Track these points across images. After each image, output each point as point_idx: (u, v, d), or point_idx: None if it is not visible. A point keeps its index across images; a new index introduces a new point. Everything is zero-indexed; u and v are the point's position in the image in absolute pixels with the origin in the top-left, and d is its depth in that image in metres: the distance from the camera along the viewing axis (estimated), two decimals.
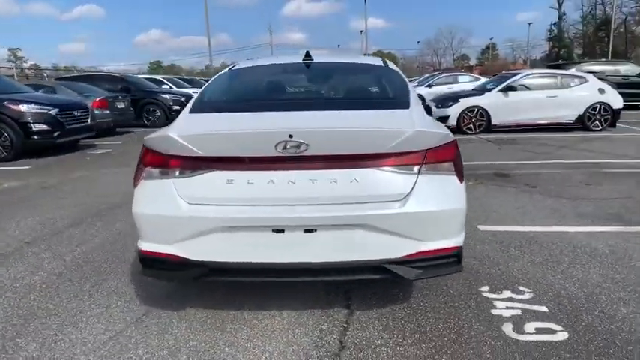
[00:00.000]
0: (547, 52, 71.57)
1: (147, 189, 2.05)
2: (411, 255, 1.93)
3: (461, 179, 2.02)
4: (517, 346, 2.02)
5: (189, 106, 2.42)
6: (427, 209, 1.90)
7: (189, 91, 15.26)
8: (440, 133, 1.98)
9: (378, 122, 2.05)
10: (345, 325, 2.23)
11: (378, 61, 3.05)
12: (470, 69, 64.12)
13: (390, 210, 1.88)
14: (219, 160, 1.95)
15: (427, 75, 21.02)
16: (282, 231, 1.90)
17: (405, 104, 2.25)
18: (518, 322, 2.21)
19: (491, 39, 78.08)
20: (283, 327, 2.23)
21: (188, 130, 2.01)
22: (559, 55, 65.62)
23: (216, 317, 2.33)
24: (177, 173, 2.00)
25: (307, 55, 2.89)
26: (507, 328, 2.17)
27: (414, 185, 1.91)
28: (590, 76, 9.53)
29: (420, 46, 77.08)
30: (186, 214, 1.94)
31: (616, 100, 9.27)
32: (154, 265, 2.11)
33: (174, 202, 1.96)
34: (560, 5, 64.95)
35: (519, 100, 9.36)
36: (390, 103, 2.38)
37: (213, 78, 2.96)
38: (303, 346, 2.06)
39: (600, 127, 9.29)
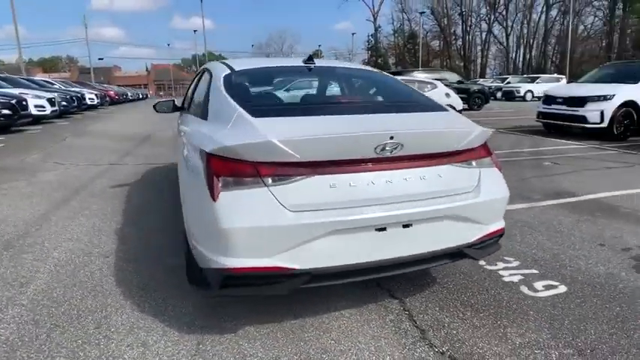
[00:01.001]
0: (367, 61, 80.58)
1: (236, 201, 1.88)
2: (479, 238, 2.23)
3: (500, 169, 2.40)
4: (541, 301, 2.51)
5: (238, 111, 2.21)
6: (491, 197, 2.23)
7: (15, 91, 12.72)
8: (486, 131, 2.32)
9: (449, 123, 2.29)
10: (408, 313, 2.41)
11: (369, 68, 3.27)
12: None
13: (468, 200, 2.14)
14: (319, 165, 1.92)
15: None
16: (385, 229, 1.99)
17: (442, 107, 2.54)
18: (528, 284, 2.72)
19: (319, 46, 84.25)
20: (357, 324, 2.30)
21: (285, 135, 1.90)
22: (377, 63, 75.04)
23: (284, 330, 2.26)
24: (270, 181, 1.90)
25: (310, 58, 2.93)
26: (525, 290, 2.65)
27: (479, 177, 2.22)
28: (438, 83, 11.36)
29: (254, 50, 79.21)
30: (292, 222, 1.86)
31: (458, 103, 11.27)
32: (241, 282, 1.95)
33: (277, 211, 1.86)
34: (375, 19, 73.57)
35: None
36: (430, 106, 2.62)
37: (214, 83, 2.71)
38: (390, 337, 2.18)
39: None
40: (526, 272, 2.89)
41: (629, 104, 8.84)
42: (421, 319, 2.35)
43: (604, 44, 47.14)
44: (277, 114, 2.25)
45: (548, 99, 10.02)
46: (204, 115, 2.60)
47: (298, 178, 1.91)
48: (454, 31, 64.57)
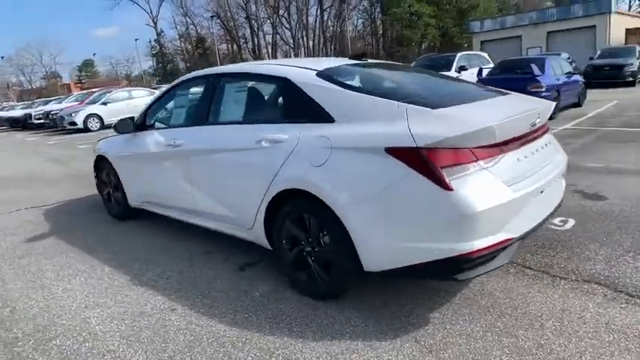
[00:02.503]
0: (154, 67, 76.21)
1: (468, 186, 2.04)
2: (563, 193, 2.88)
3: None
4: (570, 232, 3.38)
5: (403, 106, 2.27)
6: (565, 155, 2.90)
7: None
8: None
9: (539, 100, 2.83)
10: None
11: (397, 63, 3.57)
12: (68, 87, 61.07)
13: (561, 158, 2.76)
14: (507, 143, 2.22)
15: (98, 93, 19.05)
16: (543, 192, 2.43)
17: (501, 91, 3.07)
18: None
19: (94, 55, 75.67)
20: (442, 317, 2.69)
21: (493, 120, 2.13)
22: (165, 69, 71.89)
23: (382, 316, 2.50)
24: (483, 163, 2.12)
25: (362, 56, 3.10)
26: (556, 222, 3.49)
27: (556, 144, 2.87)
28: None
29: (3, 62, 66.32)
30: (513, 197, 2.14)
31: None
32: (475, 264, 2.11)
33: (501, 189, 2.12)
34: (155, 23, 69.90)
35: None
36: (496, 90, 3.08)
37: (314, 85, 2.61)
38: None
39: None
40: None
41: None
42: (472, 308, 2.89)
43: (373, 42, 56.41)
44: (439, 104, 2.36)
45: None
46: (315, 118, 2.51)
47: (501, 156, 2.19)
48: (244, 34, 66.75)
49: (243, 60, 68.90)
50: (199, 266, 3.28)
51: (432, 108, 2.25)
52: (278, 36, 63.91)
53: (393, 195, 2.16)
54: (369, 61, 3.17)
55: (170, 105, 3.84)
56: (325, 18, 61.16)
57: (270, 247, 2.91)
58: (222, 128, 3.12)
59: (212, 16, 53.42)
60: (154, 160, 3.68)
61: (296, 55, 63.80)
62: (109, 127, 17.07)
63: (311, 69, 2.77)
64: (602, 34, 26.38)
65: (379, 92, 2.52)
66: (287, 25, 62.05)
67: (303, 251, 2.65)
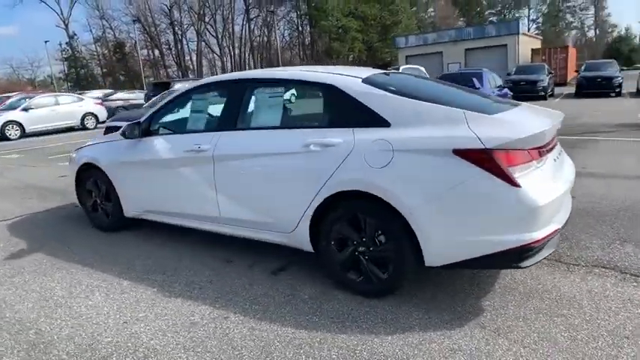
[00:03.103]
0: (65, 72, 70.48)
1: (532, 183, 2.29)
2: None
3: None
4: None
5: (460, 111, 2.47)
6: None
7: None
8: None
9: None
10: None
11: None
12: None
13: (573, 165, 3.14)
14: (544, 147, 2.50)
15: (16, 98, 17.27)
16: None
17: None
18: None
19: None
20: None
21: (543, 126, 2.40)
22: (78, 74, 66.91)
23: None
24: (536, 163, 2.39)
25: (386, 67, 3.27)
26: None
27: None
28: None
29: None
30: (562, 191, 2.42)
31: None
32: (534, 252, 2.35)
33: (554, 184, 2.40)
34: (67, 25, 64.91)
35: None
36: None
37: (369, 91, 2.73)
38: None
39: None
40: None
41: None
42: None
43: (302, 53, 57.27)
44: (492, 111, 2.59)
45: None
46: (368, 123, 2.63)
47: (546, 157, 2.47)
48: (167, 40, 64.23)
49: (166, 67, 66.34)
50: (227, 274, 3.21)
51: (489, 114, 2.49)
52: (204, 43, 62.46)
53: (461, 193, 2.34)
54: (392, 71, 3.35)
55: (185, 109, 3.70)
56: (252, 27, 61.09)
57: (311, 250, 2.95)
58: (259, 133, 3.10)
59: (134, 21, 50.71)
60: (167, 167, 3.53)
61: (222, 64, 62.81)
62: (32, 135, 15.54)
63: (354, 76, 2.89)
64: (513, 53, 29.39)
65: (428, 99, 2.69)
66: (213, 33, 60.88)
67: (355, 251, 2.73)
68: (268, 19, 51.80)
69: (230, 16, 59.78)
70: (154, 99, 11.58)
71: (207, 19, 60.14)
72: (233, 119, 3.24)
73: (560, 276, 2.90)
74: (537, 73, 18.51)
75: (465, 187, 2.33)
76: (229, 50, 63.15)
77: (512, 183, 2.25)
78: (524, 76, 18.45)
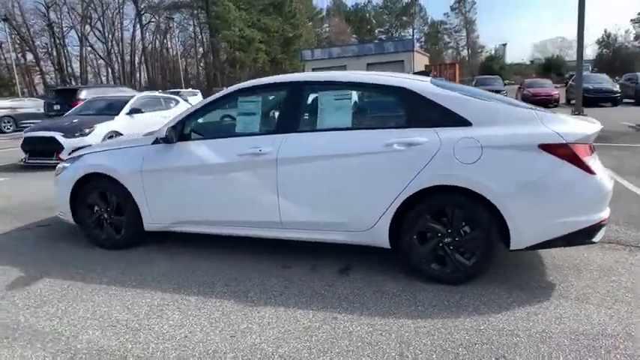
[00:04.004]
0: None
1: (599, 171, 2.72)
2: None
3: None
4: None
5: (532, 111, 2.81)
6: None
7: None
8: None
9: None
10: None
11: None
12: None
13: None
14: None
15: None
16: None
17: None
18: None
19: None
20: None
21: (592, 126, 2.83)
22: None
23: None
24: (594, 155, 2.83)
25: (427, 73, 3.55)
26: None
27: None
28: (178, 97, 11.28)
29: None
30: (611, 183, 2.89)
31: None
32: (600, 228, 2.77)
33: (607, 175, 2.84)
34: None
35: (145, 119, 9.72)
36: None
37: (444, 94, 2.96)
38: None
39: None
40: None
41: None
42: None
43: (203, 61, 55.46)
44: (549, 112, 2.99)
45: None
46: (450, 123, 2.87)
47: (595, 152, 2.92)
48: (46, 43, 57.32)
49: (43, 73, 59.07)
50: (297, 279, 3.16)
51: (554, 114, 2.89)
52: (89, 48, 57.09)
53: (547, 181, 2.69)
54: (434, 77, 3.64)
55: (227, 112, 3.53)
56: (145, 33, 57.66)
57: (387, 246, 3.07)
58: (331, 134, 3.11)
59: (4, 19, 44.32)
60: (214, 172, 3.33)
61: (112, 70, 58.06)
62: None
63: (421, 80, 3.10)
64: (409, 67, 32.15)
65: (490, 99, 3.03)
66: (102, 38, 56.00)
67: (440, 243, 2.92)
68: (162, 25, 49.35)
69: (119, 21, 55.67)
70: (70, 111, 10.42)
71: (92, 23, 55.16)
72: (296, 121, 3.22)
73: (595, 254, 3.39)
74: (495, 85, 20.99)
75: (551, 176, 2.68)
76: (117, 57, 58.66)
77: (590, 171, 2.66)
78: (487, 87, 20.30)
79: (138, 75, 60.55)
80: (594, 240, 2.79)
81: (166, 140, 3.42)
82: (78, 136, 8.45)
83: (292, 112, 3.25)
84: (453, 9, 69.77)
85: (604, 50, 50.18)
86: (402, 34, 71.41)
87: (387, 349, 2.30)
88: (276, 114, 3.37)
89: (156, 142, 3.55)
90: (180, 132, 3.47)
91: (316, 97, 3.28)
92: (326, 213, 3.15)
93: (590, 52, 55.78)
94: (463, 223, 2.87)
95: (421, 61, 34.46)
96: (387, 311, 2.67)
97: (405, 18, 71.87)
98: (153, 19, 55.07)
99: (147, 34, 58.21)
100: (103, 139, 8.58)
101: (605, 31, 54.32)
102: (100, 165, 3.73)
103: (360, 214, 3.06)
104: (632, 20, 57.97)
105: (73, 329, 2.60)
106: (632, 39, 54.77)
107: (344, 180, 3.05)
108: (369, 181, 2.99)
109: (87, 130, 8.56)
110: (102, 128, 8.75)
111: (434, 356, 2.23)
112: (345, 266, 3.32)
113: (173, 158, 3.46)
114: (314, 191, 3.14)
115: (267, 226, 3.33)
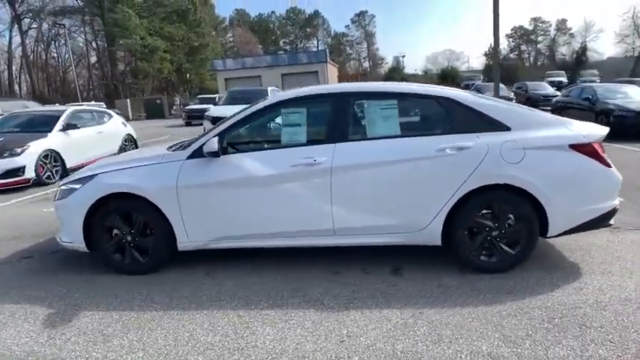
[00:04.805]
0: None
1: (613, 166, 3.28)
2: None
3: None
4: None
5: (553, 116, 3.29)
6: None
7: None
8: None
9: None
10: None
11: None
12: None
13: None
14: None
15: None
16: None
17: None
18: None
19: None
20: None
21: (603, 128, 3.39)
22: None
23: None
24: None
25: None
26: None
27: None
28: (112, 111, 10.44)
29: None
30: None
31: (132, 130, 10.91)
32: (610, 218, 3.33)
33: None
34: None
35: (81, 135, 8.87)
36: None
37: (476, 102, 3.32)
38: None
39: None
40: None
41: None
42: None
43: (99, 71, 51.04)
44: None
45: (217, 119, 11.88)
46: (491, 128, 3.24)
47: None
48: None
49: None
50: (353, 283, 3.26)
51: (569, 119, 3.42)
52: None
53: (577, 176, 3.18)
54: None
55: (272, 124, 3.49)
56: (27, 40, 51.61)
57: (439, 244, 3.33)
58: (383, 142, 3.28)
59: None
60: (263, 185, 3.30)
61: None
62: None
63: (454, 90, 3.46)
64: (323, 78, 33.21)
65: (520, 107, 3.48)
66: None
67: (488, 236, 3.26)
68: (48, 32, 44.63)
69: None
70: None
71: None
72: (345, 131, 3.35)
73: (578, 237, 3.98)
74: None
75: (580, 171, 3.18)
76: None
77: (607, 165, 3.21)
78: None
79: (17, 86, 53.98)
80: (610, 223, 3.36)
81: (215, 154, 3.29)
82: (7, 157, 7.44)
83: (341, 121, 3.38)
84: (353, 22, 73.62)
85: (491, 62, 57.43)
86: (307, 45, 73.41)
87: (487, 332, 2.55)
88: (323, 124, 3.46)
89: (193, 155, 3.41)
90: (221, 145, 3.38)
91: (363, 106, 3.45)
92: (379, 217, 3.31)
93: (478, 64, 63.38)
94: (509, 217, 3.25)
95: (332, 72, 35.84)
96: (462, 301, 2.92)
97: (308, 29, 73.98)
98: (34, 24, 49.55)
99: (28, 40, 52.22)
100: (38, 159, 7.71)
101: (491, 45, 62.63)
102: (124, 184, 3.45)
103: (414, 216, 3.28)
104: (506, 35, 66.76)
105: (173, 357, 2.43)
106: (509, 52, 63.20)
107: (398, 184, 3.25)
108: (422, 184, 3.23)
109: (19, 150, 7.57)
110: (36, 147, 7.81)
111: (530, 333, 2.53)
112: (394, 267, 3.50)
113: (218, 172, 3.35)
114: (368, 197, 3.30)
115: (320, 234, 3.39)
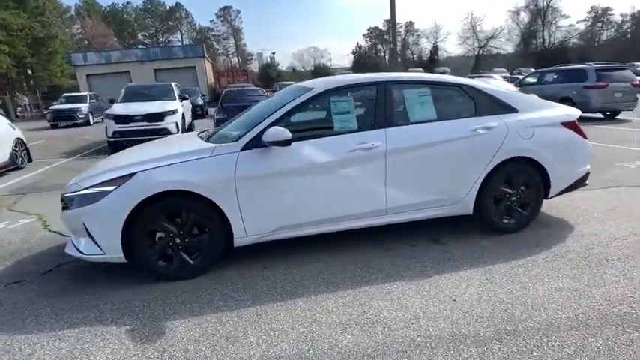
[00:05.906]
0: None
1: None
2: None
3: None
4: None
5: (544, 101, 4.03)
6: None
7: None
8: None
9: None
10: None
11: None
12: None
13: None
14: None
15: None
16: None
17: None
18: None
19: None
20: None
21: (576, 110, 4.28)
22: None
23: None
24: None
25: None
26: None
27: None
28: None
29: None
30: None
31: (22, 134, 9.30)
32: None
33: None
34: None
35: None
36: None
37: (491, 91, 3.86)
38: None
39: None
40: None
41: None
42: None
43: None
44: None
45: (122, 118, 10.83)
46: (505, 110, 3.86)
47: None
48: None
49: None
50: (409, 255, 3.58)
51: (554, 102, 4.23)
52: None
53: (567, 146, 3.99)
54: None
55: (322, 112, 3.51)
56: None
57: (471, 212, 3.84)
58: (426, 126, 3.62)
59: None
60: (322, 172, 3.37)
61: None
62: None
63: (471, 79, 4.00)
64: (202, 74, 31.97)
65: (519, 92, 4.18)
66: None
67: (509, 202, 3.89)
68: None
69: None
70: None
71: None
72: (392, 116, 3.62)
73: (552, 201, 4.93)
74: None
75: (569, 143, 3.99)
76: None
77: (584, 137, 4.09)
78: None
79: None
80: (586, 183, 4.27)
81: (284, 143, 3.23)
82: None
83: (388, 108, 3.63)
84: (218, 16, 71.63)
85: (358, 59, 63.23)
86: (170, 39, 69.20)
87: (552, 273, 3.12)
88: (367, 111, 3.67)
89: (248, 146, 3.31)
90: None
91: (403, 94, 3.75)
92: (426, 194, 3.69)
93: (347, 61, 68.44)
94: (522, 184, 3.91)
95: (208, 68, 34.63)
96: (510, 256, 3.47)
97: (170, 22, 69.73)
98: None
99: None
100: None
101: (357, 44, 68.99)
102: (176, 181, 3.17)
103: (454, 189, 3.73)
104: (364, 35, 72.47)
105: (319, 340, 2.44)
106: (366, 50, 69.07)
107: (442, 162, 3.66)
108: (461, 161, 3.69)
109: None
110: None
111: (581, 270, 3.17)
112: (434, 239, 3.90)
113: (278, 161, 3.32)
114: (417, 176, 3.64)
115: (374, 214, 3.61)
